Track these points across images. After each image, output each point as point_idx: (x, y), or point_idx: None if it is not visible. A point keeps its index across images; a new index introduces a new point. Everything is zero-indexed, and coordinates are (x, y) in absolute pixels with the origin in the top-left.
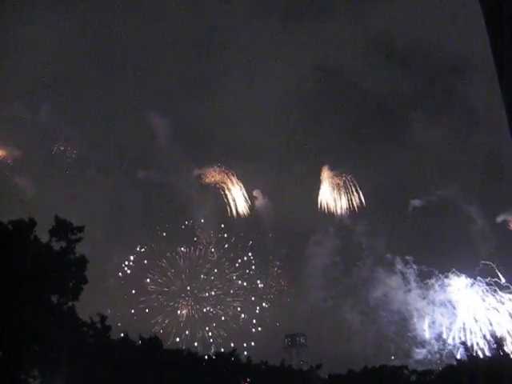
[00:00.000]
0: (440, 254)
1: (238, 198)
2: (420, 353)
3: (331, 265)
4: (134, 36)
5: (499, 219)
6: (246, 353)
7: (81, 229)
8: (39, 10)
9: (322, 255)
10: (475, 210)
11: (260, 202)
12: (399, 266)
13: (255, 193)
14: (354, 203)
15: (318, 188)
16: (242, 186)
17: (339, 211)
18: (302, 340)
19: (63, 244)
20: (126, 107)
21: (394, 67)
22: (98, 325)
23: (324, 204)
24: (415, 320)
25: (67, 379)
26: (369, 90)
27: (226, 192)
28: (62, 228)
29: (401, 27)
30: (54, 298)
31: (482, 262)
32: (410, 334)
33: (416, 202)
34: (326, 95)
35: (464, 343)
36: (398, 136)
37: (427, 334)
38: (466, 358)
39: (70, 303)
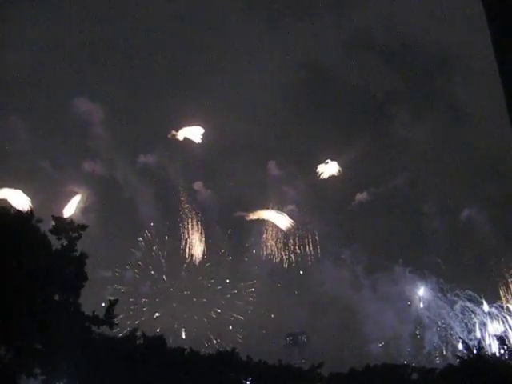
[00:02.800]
0: (389, 248)
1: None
2: (374, 348)
3: (276, 258)
4: (116, 36)
5: (464, 215)
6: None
7: (83, 227)
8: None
9: (266, 247)
10: (433, 208)
11: (203, 194)
12: (347, 259)
13: (196, 185)
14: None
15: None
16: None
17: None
18: (304, 338)
19: (64, 242)
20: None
21: (377, 63)
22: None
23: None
24: (365, 315)
25: (69, 377)
26: (352, 87)
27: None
28: (62, 226)
29: (384, 23)
30: (56, 296)
31: (428, 257)
32: (360, 329)
33: (363, 196)
34: (309, 92)
35: (465, 342)
36: (379, 132)
37: (377, 329)
38: (467, 356)
39: (72, 300)
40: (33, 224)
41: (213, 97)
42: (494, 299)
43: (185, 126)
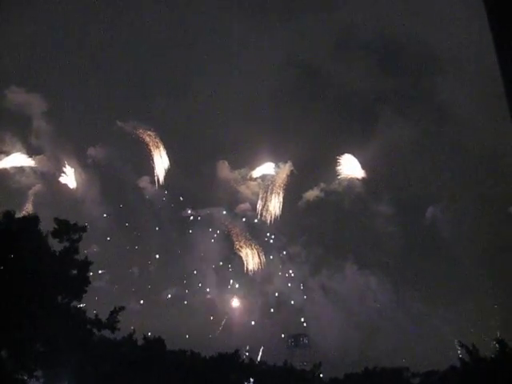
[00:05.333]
0: (340, 245)
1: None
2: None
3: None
4: (99, 38)
5: (428, 215)
6: (247, 353)
7: (84, 229)
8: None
9: (209, 243)
10: (390, 208)
11: (150, 190)
12: (296, 256)
13: (141, 182)
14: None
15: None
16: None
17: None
18: (305, 340)
19: (66, 244)
20: None
21: (363, 62)
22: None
23: None
24: (313, 318)
25: (71, 379)
26: (337, 86)
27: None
28: (64, 229)
29: (369, 22)
30: (58, 298)
31: (380, 257)
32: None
33: (314, 193)
34: (295, 91)
35: (464, 345)
36: (364, 131)
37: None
38: (468, 359)
39: (74, 303)
40: (36, 228)
41: (180, 94)
42: (450, 302)
43: (134, 120)
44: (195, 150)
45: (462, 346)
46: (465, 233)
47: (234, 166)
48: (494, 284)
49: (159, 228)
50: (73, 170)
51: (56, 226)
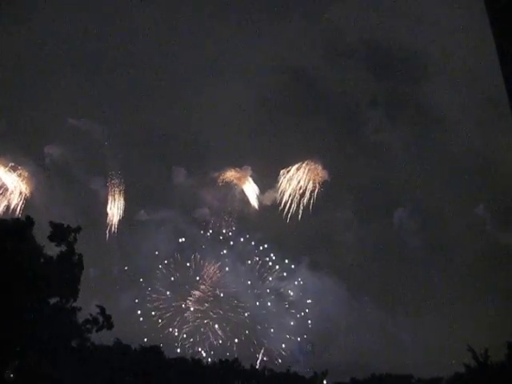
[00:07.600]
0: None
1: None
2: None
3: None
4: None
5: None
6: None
7: (78, 230)
8: None
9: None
10: (347, 213)
11: (103, 193)
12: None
13: (94, 184)
14: None
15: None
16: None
17: None
18: (310, 347)
19: (63, 248)
20: None
21: (351, 67)
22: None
23: None
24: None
25: None
26: (327, 91)
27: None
28: (60, 232)
29: (357, 27)
30: (56, 302)
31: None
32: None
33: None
34: (284, 97)
35: (472, 349)
36: (353, 136)
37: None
38: (474, 364)
39: (69, 305)
40: (30, 233)
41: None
42: (411, 310)
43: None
44: (155, 152)
45: (469, 350)
46: (430, 235)
47: (195, 171)
48: (457, 291)
49: (114, 231)
50: (26, 174)
51: (52, 230)
